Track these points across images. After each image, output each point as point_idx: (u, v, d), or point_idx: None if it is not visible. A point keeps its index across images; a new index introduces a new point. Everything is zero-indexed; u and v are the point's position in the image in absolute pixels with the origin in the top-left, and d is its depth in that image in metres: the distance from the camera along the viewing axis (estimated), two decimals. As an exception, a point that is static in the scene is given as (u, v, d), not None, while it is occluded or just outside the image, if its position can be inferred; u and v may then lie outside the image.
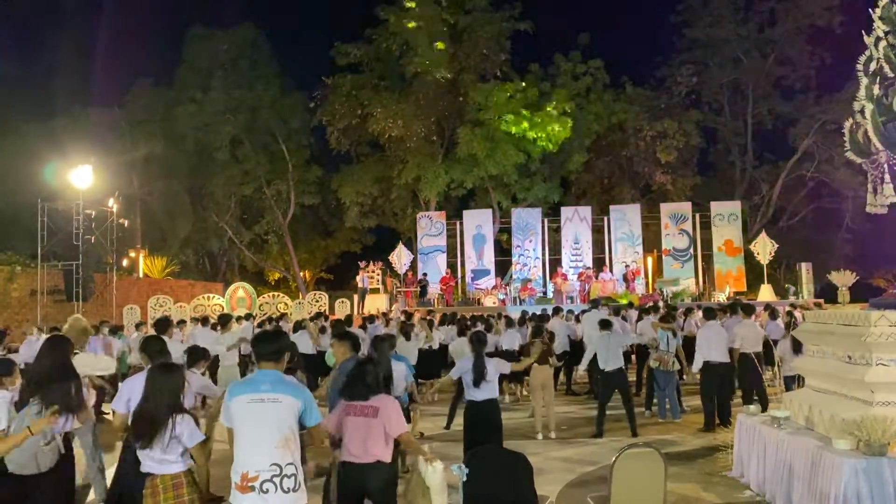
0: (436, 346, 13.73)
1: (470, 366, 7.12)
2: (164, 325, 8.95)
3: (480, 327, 12.46)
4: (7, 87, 30.58)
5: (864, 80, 6.61)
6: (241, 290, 25.34)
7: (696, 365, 10.25)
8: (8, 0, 33.70)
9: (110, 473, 5.75)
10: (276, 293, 28.19)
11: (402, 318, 15.14)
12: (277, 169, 33.97)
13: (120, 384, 5.43)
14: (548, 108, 27.86)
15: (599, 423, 9.99)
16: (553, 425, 10.06)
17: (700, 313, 12.34)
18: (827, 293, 19.96)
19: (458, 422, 8.65)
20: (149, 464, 4.18)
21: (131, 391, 4.81)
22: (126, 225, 26.60)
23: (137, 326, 16.11)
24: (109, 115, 32.08)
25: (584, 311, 14.71)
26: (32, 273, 22.55)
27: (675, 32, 33.41)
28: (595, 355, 10.24)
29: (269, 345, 4.20)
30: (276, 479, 3.85)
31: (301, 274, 38.67)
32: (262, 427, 3.92)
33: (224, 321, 11.87)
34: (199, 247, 37.70)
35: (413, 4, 29.66)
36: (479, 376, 6.99)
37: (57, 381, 4.70)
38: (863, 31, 6.78)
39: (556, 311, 15.14)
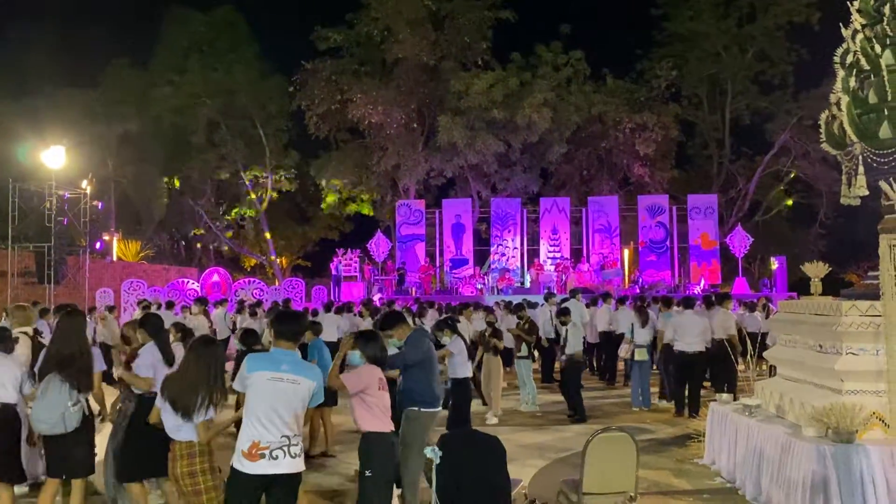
0: None
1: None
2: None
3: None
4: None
5: (841, 73, 6.68)
6: (216, 275, 25.13)
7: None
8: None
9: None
10: (251, 279, 27.98)
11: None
12: (255, 154, 33.58)
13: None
14: (527, 99, 27.82)
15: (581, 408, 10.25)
16: (494, 411, 10.32)
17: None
18: (800, 287, 20.22)
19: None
20: (170, 429, 4.52)
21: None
22: (100, 207, 26.20)
23: (110, 310, 16.01)
24: (84, 96, 31.40)
25: (563, 300, 14.80)
26: (3, 255, 22.14)
27: (656, 26, 33.53)
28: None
29: (291, 325, 4.50)
30: (285, 447, 4.17)
31: (278, 260, 38.39)
32: (279, 404, 4.20)
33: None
34: (175, 231, 37.27)
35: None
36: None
37: (75, 358, 5.23)
38: (841, 25, 6.84)
39: (548, 297, 15.19)
